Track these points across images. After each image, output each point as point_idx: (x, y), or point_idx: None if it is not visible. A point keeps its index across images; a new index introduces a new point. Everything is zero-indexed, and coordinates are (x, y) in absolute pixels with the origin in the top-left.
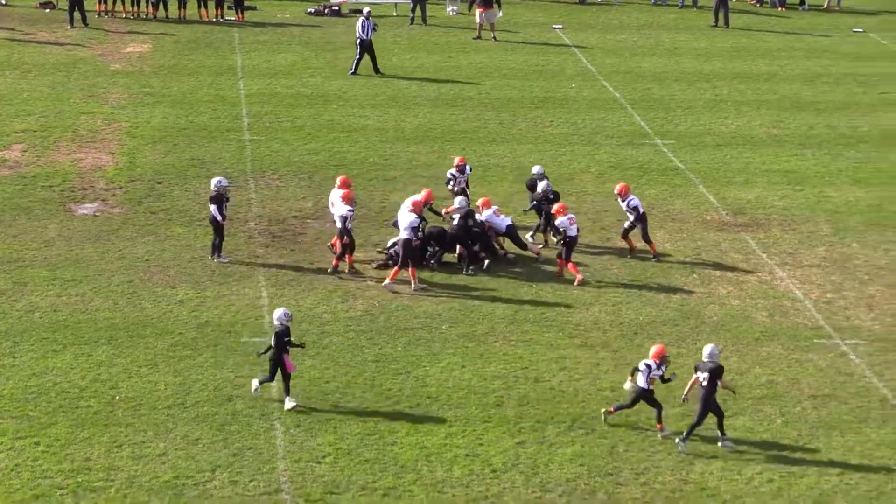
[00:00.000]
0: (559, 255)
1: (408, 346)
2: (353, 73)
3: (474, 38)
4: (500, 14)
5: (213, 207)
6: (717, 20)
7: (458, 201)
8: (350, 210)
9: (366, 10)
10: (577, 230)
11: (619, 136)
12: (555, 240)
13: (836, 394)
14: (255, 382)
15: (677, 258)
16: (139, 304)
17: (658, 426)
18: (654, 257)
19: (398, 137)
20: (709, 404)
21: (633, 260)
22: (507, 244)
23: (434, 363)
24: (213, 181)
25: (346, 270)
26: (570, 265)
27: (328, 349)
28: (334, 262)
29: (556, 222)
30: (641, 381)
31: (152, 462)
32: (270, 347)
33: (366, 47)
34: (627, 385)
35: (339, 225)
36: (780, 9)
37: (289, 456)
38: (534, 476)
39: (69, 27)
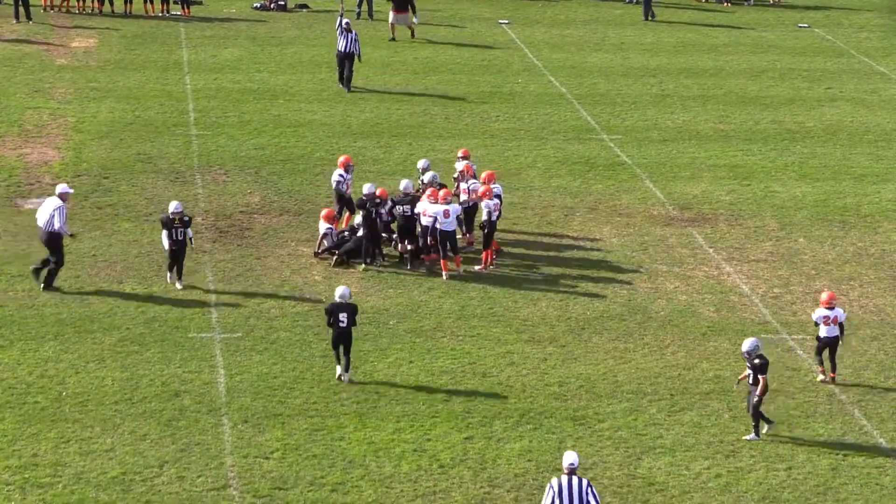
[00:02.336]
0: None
1: (355, 341)
2: (346, 90)
3: (390, 40)
4: (416, 20)
5: (163, 233)
6: (647, 12)
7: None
8: (341, 175)
9: (345, 21)
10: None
11: (566, 131)
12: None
13: (784, 388)
14: (344, 376)
15: (624, 253)
16: (86, 299)
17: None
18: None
19: (345, 132)
20: None
21: (579, 254)
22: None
23: (382, 358)
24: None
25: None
26: (486, 252)
27: (276, 344)
28: (435, 260)
29: (482, 203)
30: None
31: (100, 458)
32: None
33: (342, 60)
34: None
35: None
36: (725, 4)
37: (236, 451)
38: (482, 471)
39: (14, 21)
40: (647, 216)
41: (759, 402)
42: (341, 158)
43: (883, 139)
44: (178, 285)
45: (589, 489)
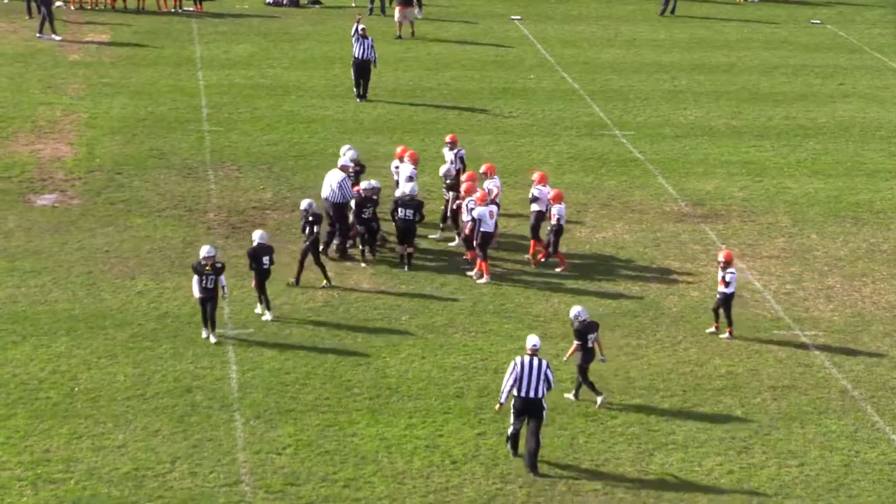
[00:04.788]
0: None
1: (367, 337)
2: (359, 99)
3: (395, 38)
4: (419, 14)
5: (194, 279)
6: (665, 8)
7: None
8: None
9: (361, 27)
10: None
11: (578, 126)
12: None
13: (796, 385)
14: (268, 314)
15: (637, 249)
16: (98, 295)
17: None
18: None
19: (357, 128)
20: None
21: (591, 250)
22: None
23: (394, 354)
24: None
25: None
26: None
27: (288, 340)
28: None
29: (553, 209)
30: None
31: (112, 454)
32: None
33: (358, 67)
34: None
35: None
36: (739, 0)
37: (249, 447)
38: (494, 467)
39: (27, 17)
40: (660, 212)
41: (580, 367)
42: (403, 150)
43: (895, 135)
44: (212, 339)
45: (547, 368)
